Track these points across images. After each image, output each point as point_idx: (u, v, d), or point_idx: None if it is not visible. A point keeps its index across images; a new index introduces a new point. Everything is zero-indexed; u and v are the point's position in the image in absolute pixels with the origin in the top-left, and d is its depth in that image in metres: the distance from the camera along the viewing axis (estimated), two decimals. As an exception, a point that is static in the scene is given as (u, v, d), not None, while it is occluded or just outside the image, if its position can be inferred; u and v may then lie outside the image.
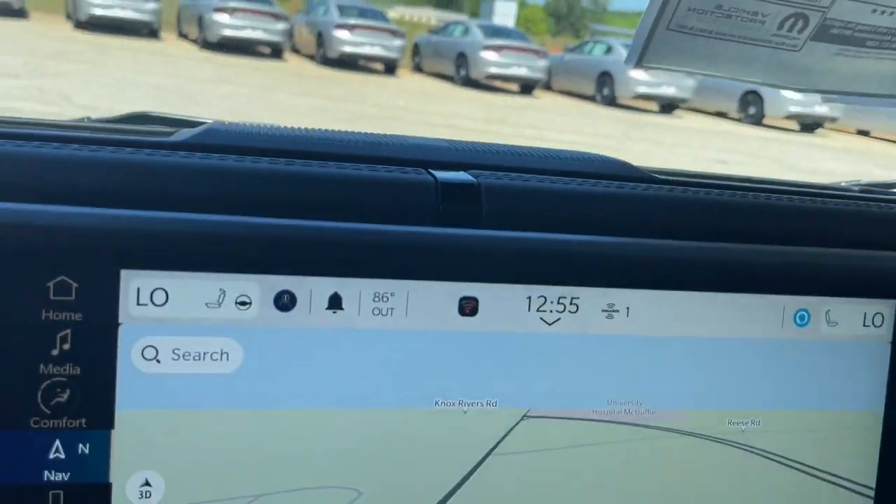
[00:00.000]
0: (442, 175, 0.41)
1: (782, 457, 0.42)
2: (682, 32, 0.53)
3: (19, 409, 0.33)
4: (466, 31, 12.73)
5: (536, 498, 0.39)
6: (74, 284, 0.33)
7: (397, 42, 10.18)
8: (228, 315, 0.35)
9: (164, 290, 0.34)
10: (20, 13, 9.90)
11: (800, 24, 0.44)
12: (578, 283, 0.38)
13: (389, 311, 0.36)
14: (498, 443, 0.38)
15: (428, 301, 0.37)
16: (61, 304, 0.33)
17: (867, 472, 0.43)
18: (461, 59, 10.62)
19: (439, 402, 0.37)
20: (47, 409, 0.33)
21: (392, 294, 0.36)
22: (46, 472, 0.33)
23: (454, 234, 0.37)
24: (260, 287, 0.35)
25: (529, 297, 0.38)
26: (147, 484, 0.34)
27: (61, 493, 0.33)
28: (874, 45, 0.53)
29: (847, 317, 0.42)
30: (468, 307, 0.37)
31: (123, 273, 0.33)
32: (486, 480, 0.38)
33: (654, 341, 0.40)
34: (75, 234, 0.33)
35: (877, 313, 0.42)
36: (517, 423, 0.38)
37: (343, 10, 10.38)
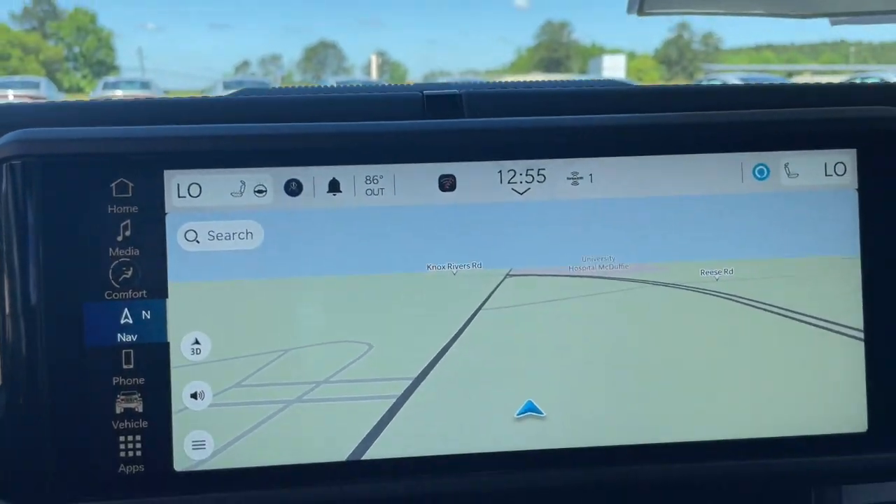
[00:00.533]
0: (429, 90, 0.48)
1: (762, 302, 0.45)
2: None
3: (97, 286, 0.42)
4: (575, 87, 12.79)
5: (523, 346, 0.44)
6: (130, 184, 0.42)
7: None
8: (249, 202, 0.43)
9: (198, 184, 0.43)
10: None
11: None
12: (543, 156, 0.44)
13: (380, 190, 0.44)
14: (486, 299, 0.44)
15: (412, 180, 0.44)
16: (121, 199, 0.42)
17: (853, 314, 0.45)
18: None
19: (431, 267, 0.44)
20: (116, 283, 0.42)
21: (381, 177, 0.44)
22: (119, 335, 0.42)
23: (430, 122, 0.44)
24: (272, 177, 0.43)
25: (500, 171, 0.44)
26: (197, 342, 0.43)
27: (132, 351, 0.42)
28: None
29: (807, 168, 0.45)
30: (447, 183, 0.44)
31: (166, 173, 0.43)
32: (478, 332, 0.44)
33: (620, 203, 0.45)
34: (129, 145, 0.42)
35: (838, 163, 0.45)
36: (501, 282, 0.44)
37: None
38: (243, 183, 0.43)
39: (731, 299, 0.45)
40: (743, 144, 0.45)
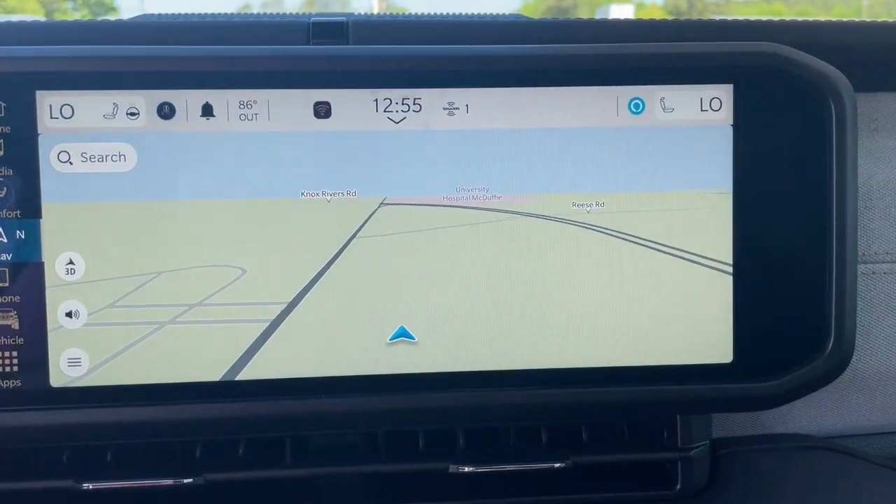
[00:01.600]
0: (316, 17, 0.48)
1: (632, 235, 0.46)
2: None
3: (-28, 205, 0.43)
4: (579, 36, 12.59)
5: (396, 273, 0.45)
6: (2, 104, 0.43)
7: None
8: (122, 124, 0.43)
9: (70, 105, 0.43)
10: None
11: None
12: (419, 86, 0.44)
13: (254, 116, 0.44)
14: (360, 227, 0.45)
15: (286, 107, 0.44)
16: None
17: (722, 248, 0.46)
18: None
19: (305, 193, 0.44)
20: (-9, 202, 0.43)
21: (255, 102, 0.44)
22: None
23: (302, 48, 0.44)
24: (145, 100, 0.43)
25: (376, 100, 0.44)
26: (71, 263, 0.44)
27: (6, 270, 0.43)
28: None
29: (683, 103, 0.45)
30: (322, 110, 0.44)
31: (38, 93, 0.43)
32: (352, 259, 0.45)
33: (495, 133, 0.45)
34: (0, 64, 0.42)
35: (714, 98, 0.46)
36: (375, 210, 0.45)
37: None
38: (116, 105, 0.43)
39: (601, 231, 0.46)
40: (618, 78, 0.45)
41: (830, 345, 0.46)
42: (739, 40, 0.46)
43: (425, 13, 0.53)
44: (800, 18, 0.53)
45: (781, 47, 0.45)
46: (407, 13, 0.53)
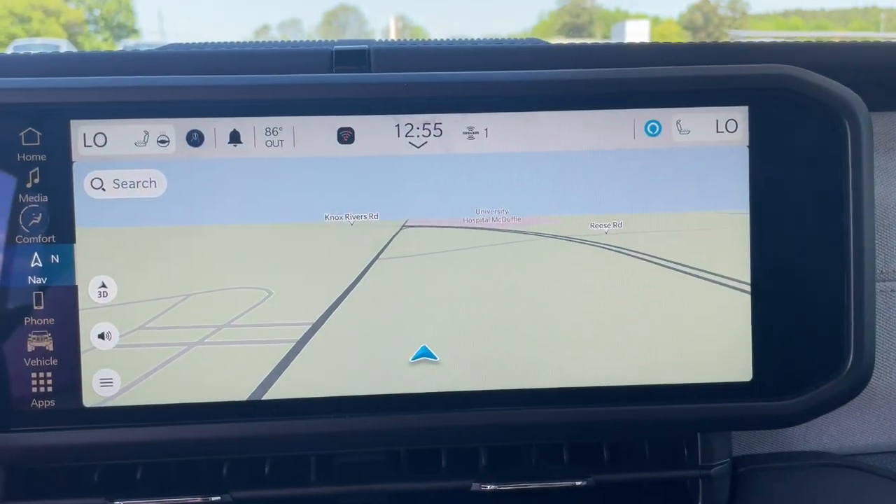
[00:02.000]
0: (339, 45, 0.50)
1: (649, 254, 0.46)
2: None
3: (9, 231, 0.44)
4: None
5: (418, 294, 0.46)
6: (38, 133, 0.44)
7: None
8: (153, 151, 0.45)
9: (103, 134, 0.45)
10: None
11: None
12: (440, 111, 0.46)
13: (280, 142, 0.45)
14: (382, 249, 0.46)
15: (311, 133, 0.45)
16: (30, 148, 0.44)
17: (740, 268, 0.47)
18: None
19: (329, 216, 0.46)
20: (26, 228, 0.44)
21: (281, 129, 0.45)
22: (30, 278, 0.45)
23: (325, 76, 0.46)
24: (175, 128, 0.45)
25: (398, 125, 0.46)
26: (103, 286, 0.45)
27: (42, 293, 0.45)
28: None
29: (699, 125, 0.46)
30: (346, 136, 0.46)
31: (72, 122, 0.44)
32: (375, 280, 0.46)
33: (514, 157, 0.46)
34: (36, 95, 0.44)
35: (730, 120, 0.46)
36: (398, 233, 0.46)
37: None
38: (147, 133, 0.45)
39: (619, 252, 0.46)
40: (635, 101, 0.46)
41: (850, 362, 0.46)
42: (755, 62, 0.47)
43: (444, 39, 0.54)
44: (814, 40, 0.54)
45: (795, 69, 0.46)
46: (426, 39, 0.54)
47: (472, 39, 0.54)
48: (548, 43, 0.53)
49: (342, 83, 0.45)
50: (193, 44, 0.54)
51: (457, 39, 0.54)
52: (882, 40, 0.55)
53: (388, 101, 0.45)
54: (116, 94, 0.44)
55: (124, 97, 0.44)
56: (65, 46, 13.64)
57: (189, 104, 0.45)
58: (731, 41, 0.52)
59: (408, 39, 0.52)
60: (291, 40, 0.52)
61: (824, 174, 0.46)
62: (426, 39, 0.53)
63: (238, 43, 0.54)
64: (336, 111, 0.45)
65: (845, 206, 0.46)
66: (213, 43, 0.54)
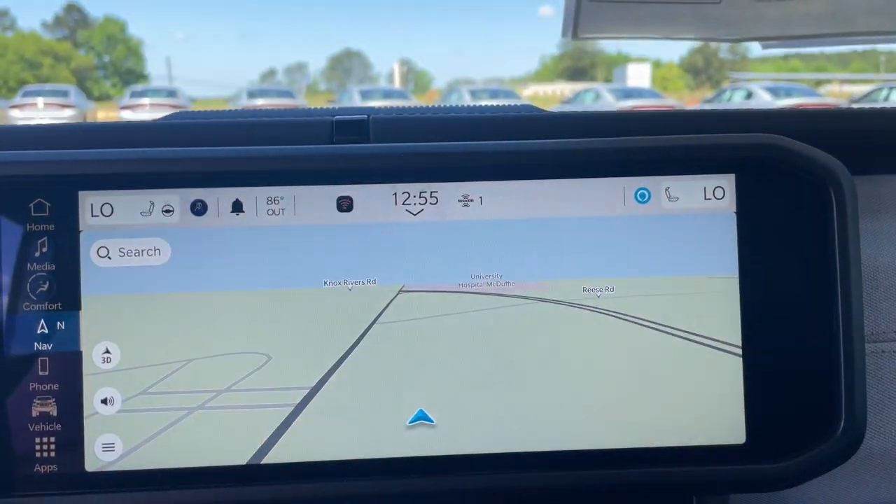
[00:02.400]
0: (340, 115, 0.51)
1: (642, 318, 0.47)
2: (605, 1, 0.61)
3: (16, 298, 0.46)
4: (597, 97, 12.84)
5: (415, 358, 0.47)
6: (48, 203, 0.46)
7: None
8: (157, 221, 0.46)
9: (110, 204, 0.46)
10: None
11: None
12: (436, 180, 0.47)
13: (281, 210, 0.47)
14: (380, 314, 0.47)
15: (311, 202, 0.47)
16: (39, 218, 0.46)
17: (731, 331, 0.47)
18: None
19: (327, 283, 0.47)
20: (33, 296, 0.46)
21: (282, 197, 0.47)
22: (36, 344, 0.46)
23: (324, 147, 0.47)
24: (179, 198, 0.46)
25: (395, 194, 0.47)
26: (107, 352, 0.46)
27: (47, 359, 0.46)
28: (791, -13, 0.59)
29: (687, 192, 0.48)
30: (345, 204, 0.47)
31: (80, 193, 0.46)
32: (372, 345, 0.47)
33: (508, 224, 0.47)
34: (46, 168, 0.46)
35: (717, 187, 0.48)
36: (395, 297, 0.47)
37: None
38: (152, 203, 0.46)
39: (612, 315, 0.47)
40: (624, 169, 0.47)
41: (842, 424, 0.47)
42: (741, 130, 0.48)
43: (441, 106, 0.56)
44: (798, 108, 0.55)
45: (779, 138, 0.47)
46: (423, 106, 0.56)
47: (468, 107, 0.55)
48: (541, 110, 0.55)
49: (342, 154, 0.47)
50: (198, 113, 0.56)
51: (454, 108, 0.55)
52: (867, 107, 0.57)
53: (386, 170, 0.47)
54: (124, 165, 0.46)
55: (131, 169, 0.46)
56: (73, 91, 13.86)
57: (193, 175, 0.46)
58: (716, 109, 0.54)
59: (406, 107, 0.54)
60: (294, 108, 0.54)
61: (811, 238, 0.47)
62: (424, 107, 0.55)
63: (241, 112, 0.56)
64: (336, 180, 0.47)
65: (833, 269, 0.47)
66: (216, 112, 0.56)
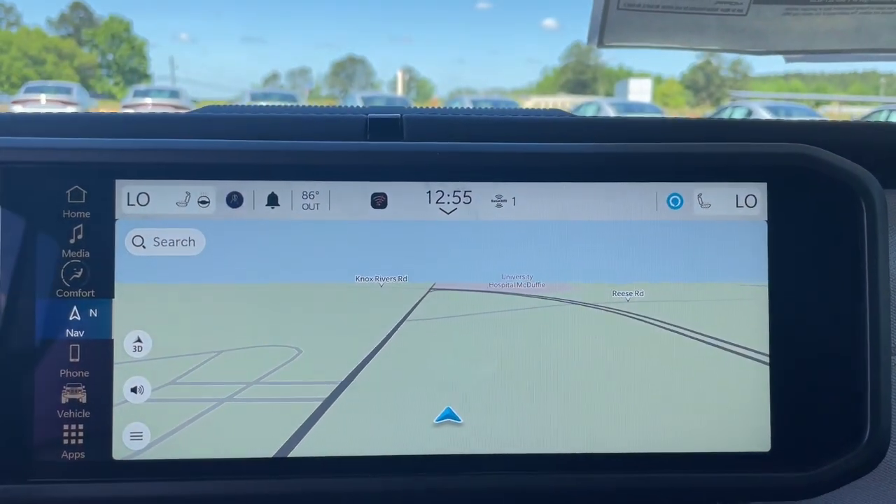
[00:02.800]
0: (373, 114, 0.52)
1: (671, 324, 0.48)
2: (633, 10, 0.62)
3: (49, 284, 0.46)
4: (598, 110, 12.86)
5: (444, 356, 0.47)
6: (84, 191, 0.46)
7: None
8: (193, 211, 0.46)
9: (146, 193, 0.46)
10: None
11: None
12: (470, 179, 0.47)
13: (316, 205, 0.47)
14: (410, 311, 0.47)
15: (345, 197, 0.47)
16: (75, 205, 0.46)
17: (759, 339, 0.48)
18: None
19: (359, 278, 0.47)
20: (67, 283, 0.46)
21: (317, 192, 0.47)
22: (68, 330, 0.46)
23: (360, 144, 0.47)
24: (216, 189, 0.47)
25: (429, 192, 0.47)
26: (139, 340, 0.46)
27: (79, 346, 0.46)
28: (819, 1, 0.60)
29: (719, 199, 0.48)
30: (379, 201, 0.47)
31: (117, 182, 0.46)
32: (402, 342, 0.47)
33: (540, 225, 0.48)
34: (84, 155, 0.46)
35: (749, 195, 0.48)
36: (425, 295, 0.47)
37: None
38: (188, 194, 0.47)
39: (640, 320, 0.47)
40: (658, 175, 0.48)
41: (867, 435, 0.47)
42: (773, 140, 0.49)
43: (471, 108, 0.56)
44: (829, 120, 0.56)
45: (812, 148, 0.48)
46: (456, 108, 0.57)
47: (500, 110, 0.56)
48: (572, 115, 0.55)
49: (377, 151, 0.47)
50: (230, 107, 0.56)
51: (485, 109, 0.56)
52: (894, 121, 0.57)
53: (420, 168, 0.47)
54: (162, 155, 0.46)
55: (169, 159, 0.46)
56: (76, 89, 13.87)
57: (230, 167, 0.46)
58: (750, 119, 0.55)
59: (439, 108, 0.54)
60: (326, 105, 0.54)
61: (841, 249, 0.48)
62: (456, 108, 0.56)
63: (274, 108, 0.56)
64: (370, 177, 0.47)
65: (861, 279, 0.47)
66: (248, 107, 0.57)
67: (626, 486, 0.47)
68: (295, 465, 0.46)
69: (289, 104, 0.60)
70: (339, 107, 0.56)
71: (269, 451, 0.46)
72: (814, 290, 0.48)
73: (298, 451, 0.46)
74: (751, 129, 0.53)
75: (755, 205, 0.48)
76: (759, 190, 0.48)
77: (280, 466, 0.46)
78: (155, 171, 0.46)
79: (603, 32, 0.63)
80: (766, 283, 0.48)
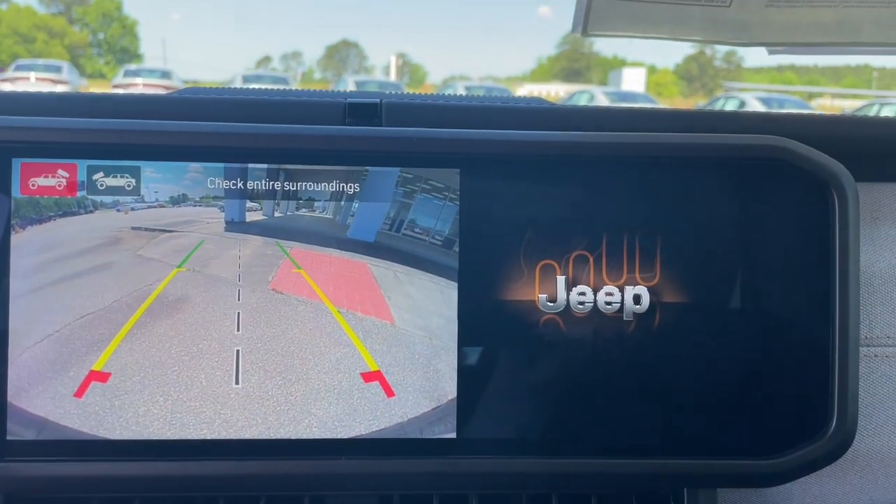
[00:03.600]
0: (353, 99, 0.52)
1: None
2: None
3: None
4: (591, 99, 12.84)
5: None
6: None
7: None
8: None
9: None
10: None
11: None
12: (445, 166, 0.47)
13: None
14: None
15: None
16: None
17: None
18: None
19: None
20: None
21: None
22: None
23: (339, 129, 0.47)
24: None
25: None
26: None
27: None
28: (801, -6, 0.60)
29: None
30: None
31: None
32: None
33: None
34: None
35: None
36: None
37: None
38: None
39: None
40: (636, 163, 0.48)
41: (833, 425, 0.48)
42: (750, 132, 0.49)
43: (452, 95, 0.56)
44: (806, 112, 0.56)
45: (786, 140, 0.48)
46: (436, 94, 0.57)
47: (480, 97, 0.56)
48: (551, 104, 0.55)
49: (354, 136, 0.47)
50: (212, 89, 0.56)
51: (465, 97, 0.56)
52: (871, 115, 0.57)
53: (395, 154, 0.47)
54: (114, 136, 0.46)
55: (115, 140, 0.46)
56: (66, 68, 13.73)
57: (195, 150, 0.46)
58: (729, 110, 0.55)
59: (419, 94, 0.54)
60: (306, 89, 0.54)
61: (813, 241, 0.48)
62: (436, 94, 0.55)
63: (254, 91, 0.56)
64: (346, 162, 0.47)
65: (832, 272, 0.48)
66: (230, 89, 0.56)
67: (595, 470, 0.48)
68: (267, 447, 0.47)
69: (281, 87, 0.59)
70: (319, 91, 0.56)
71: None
72: (786, 281, 0.48)
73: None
74: (729, 120, 0.53)
75: None
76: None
77: (252, 447, 0.47)
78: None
79: (588, 21, 0.63)
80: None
